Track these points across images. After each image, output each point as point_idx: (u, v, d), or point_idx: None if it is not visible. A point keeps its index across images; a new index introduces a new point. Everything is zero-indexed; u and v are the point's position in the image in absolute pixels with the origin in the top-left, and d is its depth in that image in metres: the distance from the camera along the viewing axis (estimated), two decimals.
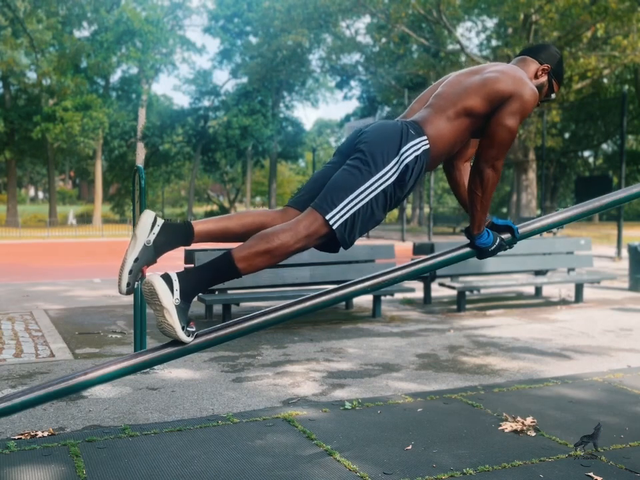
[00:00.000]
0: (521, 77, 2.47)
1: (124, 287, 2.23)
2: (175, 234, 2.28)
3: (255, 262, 2.23)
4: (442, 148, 2.45)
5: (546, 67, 2.63)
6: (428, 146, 2.40)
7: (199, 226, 2.32)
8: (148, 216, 2.27)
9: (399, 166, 2.33)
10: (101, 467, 3.04)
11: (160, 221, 2.28)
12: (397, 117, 2.61)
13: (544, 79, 2.63)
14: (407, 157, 2.34)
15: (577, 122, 36.04)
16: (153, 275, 2.21)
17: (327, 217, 2.27)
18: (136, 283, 2.26)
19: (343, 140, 2.48)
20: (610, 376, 4.72)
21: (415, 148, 2.37)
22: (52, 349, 5.48)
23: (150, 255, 2.25)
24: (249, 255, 2.22)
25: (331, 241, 2.35)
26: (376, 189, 2.31)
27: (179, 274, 2.23)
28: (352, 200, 2.29)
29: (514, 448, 3.31)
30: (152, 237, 2.25)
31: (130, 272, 2.22)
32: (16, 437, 3.42)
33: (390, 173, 2.32)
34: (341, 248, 2.40)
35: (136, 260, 2.23)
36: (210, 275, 2.26)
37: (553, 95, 2.68)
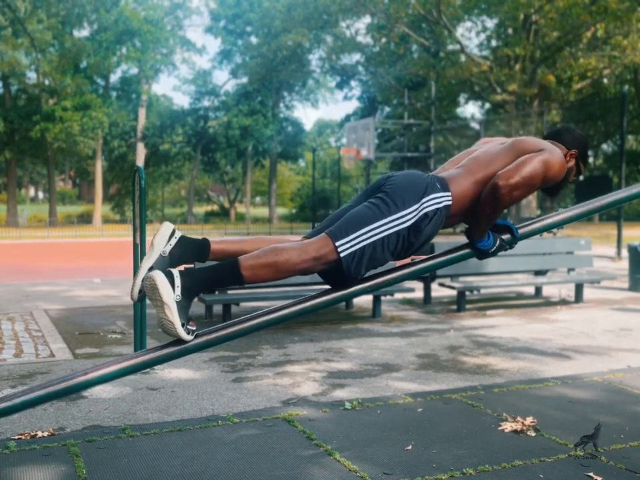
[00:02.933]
0: (551, 145, 2.57)
1: (136, 294, 2.27)
2: (191, 249, 2.33)
3: (259, 272, 2.26)
4: (463, 207, 2.50)
5: (574, 152, 2.69)
6: (450, 202, 2.45)
7: (216, 245, 2.36)
8: (166, 228, 2.32)
9: (418, 213, 2.38)
10: (101, 467, 3.04)
11: (178, 234, 2.32)
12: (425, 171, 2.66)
13: (572, 163, 2.70)
14: (427, 207, 2.40)
15: (577, 122, 36.00)
16: (156, 271, 2.22)
17: (337, 244, 2.31)
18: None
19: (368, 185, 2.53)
20: (610, 376, 4.72)
21: (438, 200, 2.42)
22: (52, 349, 5.48)
23: (165, 266, 2.28)
24: (256, 264, 2.25)
25: (337, 272, 2.38)
26: (390, 228, 2.35)
27: (181, 271, 2.26)
28: (364, 233, 2.33)
29: (514, 448, 3.31)
30: (168, 248, 2.29)
31: (143, 279, 2.25)
32: (16, 437, 3.42)
33: (407, 217, 2.37)
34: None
35: (150, 269, 2.26)
36: (213, 277, 2.28)
37: (581, 177, 2.75)
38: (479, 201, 2.49)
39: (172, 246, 2.30)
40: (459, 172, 2.54)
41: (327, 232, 2.35)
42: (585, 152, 2.72)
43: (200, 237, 2.37)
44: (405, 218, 2.36)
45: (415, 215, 2.37)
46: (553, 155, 2.51)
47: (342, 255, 2.31)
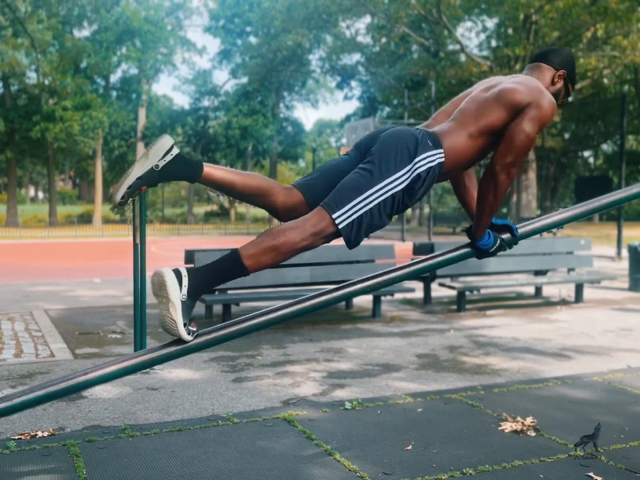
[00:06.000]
0: (538, 86, 2.48)
1: (118, 199, 2.26)
2: (184, 167, 2.30)
3: (261, 259, 2.25)
4: (457, 163, 2.46)
5: (562, 73, 2.65)
6: (443, 159, 2.40)
7: (209, 169, 2.34)
8: (165, 141, 2.29)
9: (411, 174, 2.35)
10: (100, 467, 3.04)
11: (175, 151, 2.29)
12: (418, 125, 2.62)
13: (560, 84, 2.66)
14: (420, 167, 2.36)
15: (577, 122, 36.01)
16: (165, 268, 2.22)
17: (334, 216, 2.29)
18: (130, 199, 2.29)
19: (359, 138, 2.48)
20: (610, 376, 4.72)
21: (430, 159, 2.38)
22: (52, 349, 5.48)
23: (153, 179, 2.28)
24: (256, 252, 2.24)
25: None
26: (385, 193, 2.33)
27: (189, 270, 2.26)
28: (360, 202, 2.31)
29: (514, 448, 3.31)
30: (162, 163, 2.27)
31: (129, 187, 2.25)
32: (16, 437, 3.42)
33: (400, 180, 2.34)
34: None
35: (139, 178, 2.26)
36: (217, 273, 2.28)
37: (570, 98, 2.71)
38: (473, 159, 2.47)
39: (166, 162, 2.27)
40: (450, 126, 2.47)
41: (321, 204, 2.32)
42: (573, 72, 2.68)
43: (195, 159, 2.35)
44: (399, 181, 2.34)
45: (409, 177, 2.34)
46: (540, 104, 2.41)
47: (340, 226, 2.29)
